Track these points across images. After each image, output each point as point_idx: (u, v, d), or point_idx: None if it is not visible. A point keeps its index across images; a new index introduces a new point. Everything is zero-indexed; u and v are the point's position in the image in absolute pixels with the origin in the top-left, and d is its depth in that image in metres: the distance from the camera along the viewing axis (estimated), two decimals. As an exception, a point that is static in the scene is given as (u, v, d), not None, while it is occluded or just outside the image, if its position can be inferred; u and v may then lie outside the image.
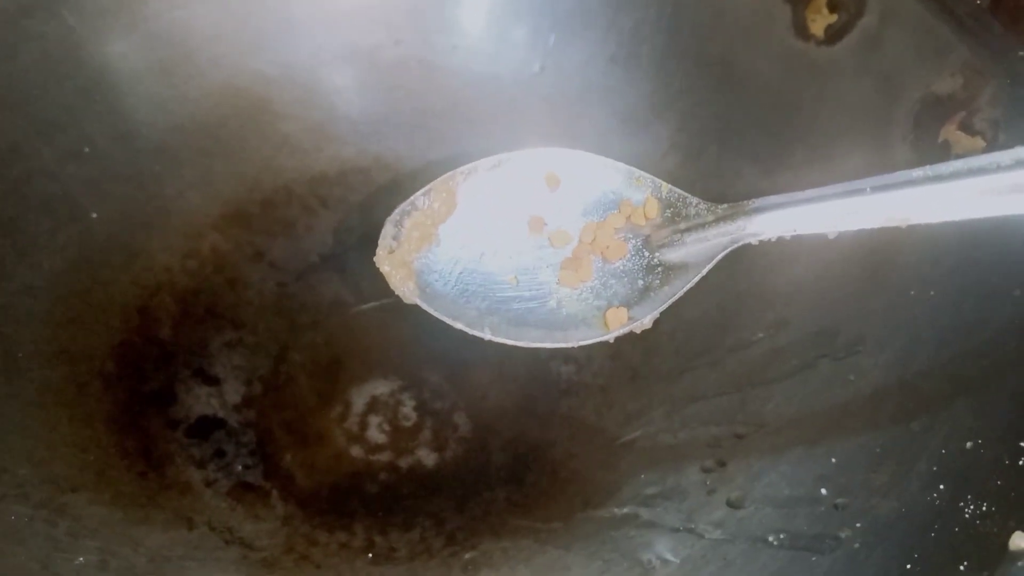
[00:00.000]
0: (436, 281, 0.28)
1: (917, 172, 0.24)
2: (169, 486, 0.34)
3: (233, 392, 0.37)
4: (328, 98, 0.43)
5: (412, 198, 0.28)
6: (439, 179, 0.28)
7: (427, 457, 0.36)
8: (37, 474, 0.31)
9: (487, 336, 0.27)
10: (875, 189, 0.24)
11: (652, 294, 0.28)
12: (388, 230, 0.28)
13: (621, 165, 0.29)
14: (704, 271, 0.27)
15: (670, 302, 0.27)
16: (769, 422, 0.34)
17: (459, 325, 0.27)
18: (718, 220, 0.27)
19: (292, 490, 0.35)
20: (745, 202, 0.27)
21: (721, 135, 0.40)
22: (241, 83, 0.42)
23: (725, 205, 0.28)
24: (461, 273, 0.28)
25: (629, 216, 0.28)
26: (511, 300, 0.28)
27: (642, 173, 0.29)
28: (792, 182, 0.36)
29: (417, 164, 0.44)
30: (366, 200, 0.43)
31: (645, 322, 0.27)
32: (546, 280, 0.28)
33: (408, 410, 0.37)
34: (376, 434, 0.37)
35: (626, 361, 0.38)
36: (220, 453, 0.35)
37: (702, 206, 0.28)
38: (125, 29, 0.39)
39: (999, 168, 0.22)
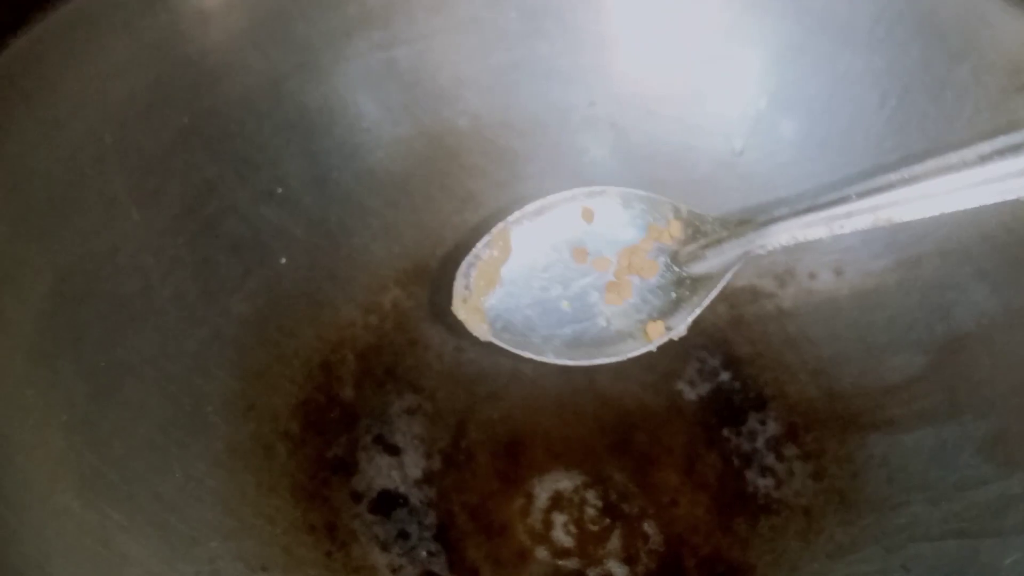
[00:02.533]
0: (504, 318, 0.31)
1: (894, 175, 0.26)
2: (356, 569, 0.31)
3: (413, 465, 0.35)
4: (515, 156, 0.42)
5: (475, 250, 0.32)
6: (494, 229, 0.32)
7: (617, 570, 0.33)
8: (227, 548, 0.29)
9: (551, 360, 0.31)
10: (860, 195, 0.27)
11: (684, 304, 0.31)
12: (459, 281, 0.31)
13: (643, 193, 0.32)
14: (725, 280, 0.30)
15: (700, 310, 0.31)
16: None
17: (527, 354, 0.31)
18: (731, 235, 0.30)
19: (479, 584, 0.32)
20: (753, 219, 0.30)
21: (943, 244, 0.37)
22: (432, 133, 0.40)
23: (736, 220, 0.31)
24: (524, 307, 0.32)
25: (657, 237, 0.32)
26: (567, 324, 0.32)
27: (663, 198, 0.32)
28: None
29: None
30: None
31: (680, 330, 0.31)
32: (594, 302, 0.32)
33: (594, 512, 0.34)
34: (562, 536, 0.34)
35: (831, 482, 0.35)
36: (404, 535, 0.33)
37: (717, 223, 0.31)
38: (326, 69, 0.38)
39: (965, 165, 0.25)
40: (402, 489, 0.34)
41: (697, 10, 0.38)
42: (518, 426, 0.37)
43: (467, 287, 0.31)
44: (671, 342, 0.37)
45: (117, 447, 0.29)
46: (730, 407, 0.37)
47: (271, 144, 0.37)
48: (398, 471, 0.34)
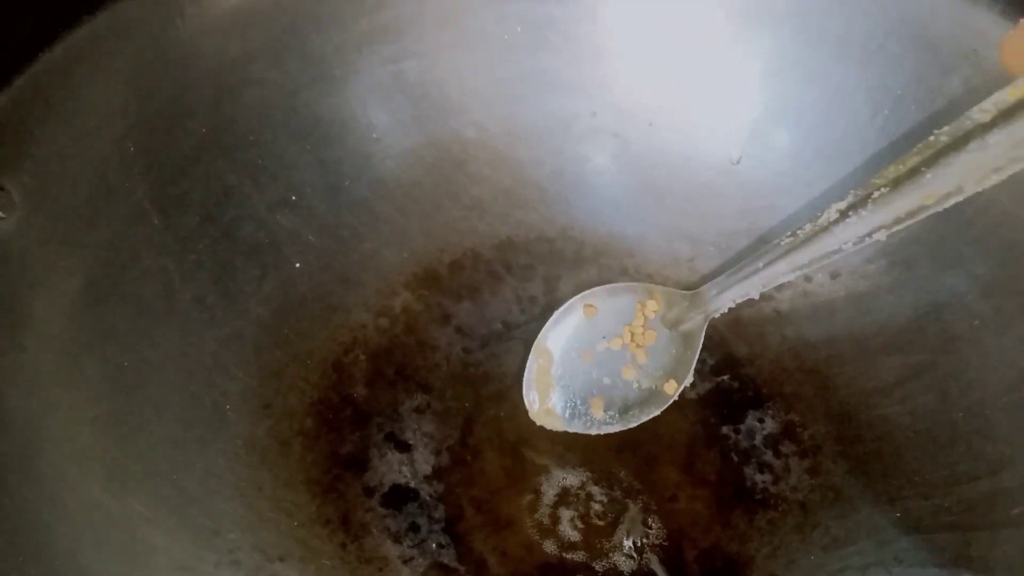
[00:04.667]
0: (568, 409, 0.38)
1: (807, 227, 0.31)
2: (369, 560, 0.32)
3: (423, 461, 0.36)
4: (520, 164, 0.43)
5: (527, 373, 0.38)
6: (533, 346, 0.38)
7: (622, 563, 0.34)
8: (246, 539, 0.30)
9: (616, 429, 0.37)
10: (786, 249, 0.32)
11: (682, 358, 0.38)
12: (528, 396, 0.38)
13: (623, 284, 0.39)
14: (703, 333, 0.37)
15: (695, 360, 0.37)
16: (997, 571, 0.32)
17: (593, 431, 0.37)
18: (691, 307, 0.37)
19: None
20: (702, 290, 0.37)
21: (935, 248, 0.38)
22: (440, 143, 0.42)
23: (692, 292, 0.37)
24: (579, 396, 0.38)
25: (644, 312, 0.38)
26: (615, 395, 0.38)
27: (642, 284, 0.39)
28: (1017, 308, 0.35)
29: (601, 238, 0.43)
30: (550, 271, 0.42)
31: (689, 378, 0.37)
32: (623, 373, 0.38)
33: (599, 507, 0.36)
34: (569, 530, 0.35)
35: (827, 477, 0.36)
36: (414, 527, 0.34)
37: (680, 295, 0.38)
38: (339, 82, 0.39)
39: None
40: (412, 484, 0.35)
41: (697, 25, 0.39)
42: (524, 425, 0.38)
43: (534, 399, 0.37)
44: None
45: (141, 442, 0.30)
46: (729, 406, 0.38)
47: (286, 153, 0.38)
48: (408, 467, 0.36)
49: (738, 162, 0.42)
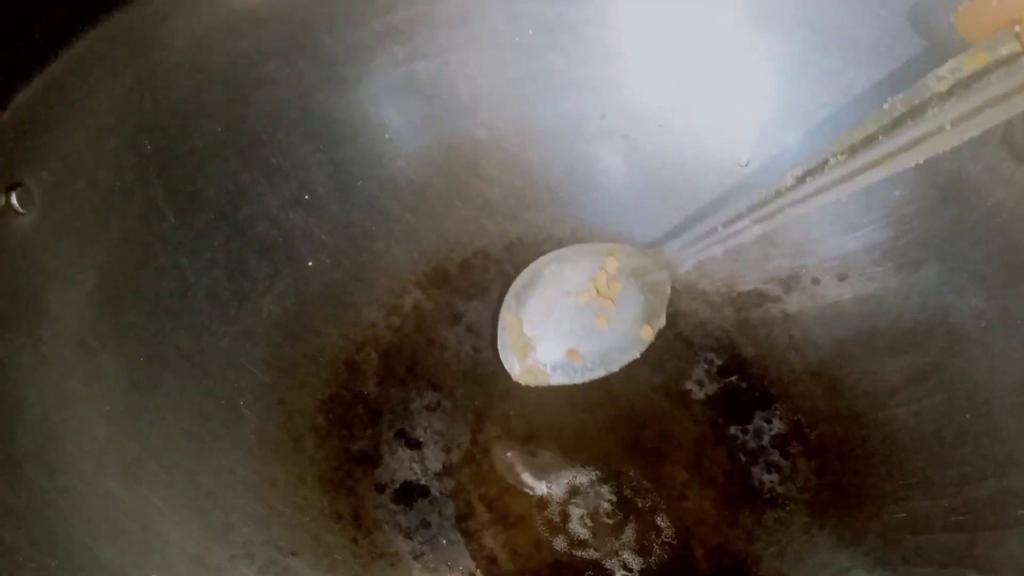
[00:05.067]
0: (549, 363, 0.38)
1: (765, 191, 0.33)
2: (380, 555, 0.33)
3: (433, 459, 0.36)
4: (530, 165, 0.43)
5: (500, 342, 0.39)
6: (500, 316, 0.39)
7: (632, 561, 0.35)
8: (259, 534, 0.30)
9: (600, 373, 0.38)
10: (746, 209, 0.34)
11: (652, 305, 0.39)
12: (510, 360, 0.38)
13: (586, 245, 0.40)
14: (669, 285, 0.39)
15: (666, 305, 0.39)
16: (1004, 571, 0.32)
17: (579, 379, 0.38)
18: (654, 264, 0.39)
19: (496, 573, 0.34)
20: (663, 249, 0.38)
21: (941, 250, 0.38)
22: (451, 143, 0.42)
23: (653, 250, 0.39)
24: (557, 349, 0.38)
25: (607, 269, 0.39)
26: (591, 344, 0.38)
27: (601, 244, 0.40)
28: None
29: (610, 238, 0.43)
30: (559, 270, 0.43)
31: (662, 321, 0.38)
32: (594, 324, 0.39)
33: (608, 505, 0.36)
34: (579, 528, 0.35)
35: (834, 478, 0.36)
36: (425, 524, 0.34)
37: (640, 253, 0.39)
38: (351, 82, 0.40)
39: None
40: (423, 481, 0.36)
41: (707, 27, 0.40)
42: (533, 423, 0.38)
43: (513, 362, 0.38)
44: (680, 345, 0.39)
45: (156, 437, 0.31)
46: (737, 406, 0.38)
47: (299, 153, 0.39)
48: (419, 464, 0.36)
49: (747, 164, 0.42)
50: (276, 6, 0.37)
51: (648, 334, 0.38)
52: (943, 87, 0.28)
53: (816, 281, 0.40)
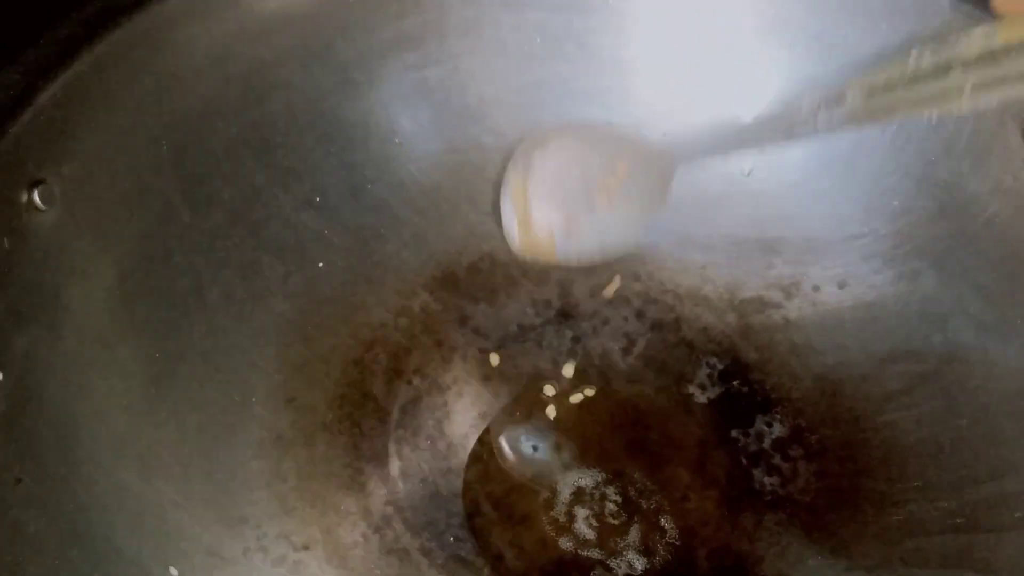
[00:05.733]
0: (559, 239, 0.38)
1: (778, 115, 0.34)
2: (389, 551, 0.33)
3: (441, 458, 0.37)
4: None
5: (504, 190, 0.38)
6: (508, 174, 0.39)
7: (636, 561, 0.35)
8: (272, 528, 0.31)
9: (597, 257, 0.38)
10: (760, 124, 0.35)
11: (657, 191, 0.39)
12: (512, 232, 0.38)
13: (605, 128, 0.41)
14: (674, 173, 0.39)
15: (668, 192, 0.39)
16: (1001, 572, 0.32)
17: (574, 258, 0.38)
18: (664, 156, 0.39)
19: (502, 570, 0.34)
20: (672, 143, 0.39)
21: (940, 260, 0.39)
22: (459, 147, 0.43)
23: (666, 142, 0.39)
24: (559, 224, 0.38)
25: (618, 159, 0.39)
26: (596, 220, 0.38)
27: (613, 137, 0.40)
28: (1021, 317, 0.36)
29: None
30: (564, 276, 0.43)
31: (663, 207, 0.39)
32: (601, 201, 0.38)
33: (613, 506, 0.37)
34: (584, 528, 0.36)
35: (834, 481, 0.37)
36: (433, 521, 0.35)
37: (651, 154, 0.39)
38: (363, 87, 0.40)
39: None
40: (431, 479, 0.36)
41: (711, 37, 0.40)
42: (539, 425, 0.39)
43: (516, 232, 0.37)
44: (683, 349, 0.39)
45: (172, 431, 0.31)
46: (738, 410, 0.39)
47: (312, 155, 0.39)
48: (427, 463, 0.36)
49: (749, 173, 0.43)
50: (292, 13, 0.37)
51: (646, 223, 0.39)
52: (972, 51, 0.27)
53: (817, 288, 0.41)
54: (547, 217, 0.37)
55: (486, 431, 0.38)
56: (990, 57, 0.27)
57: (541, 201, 0.38)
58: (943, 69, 0.28)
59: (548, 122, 0.43)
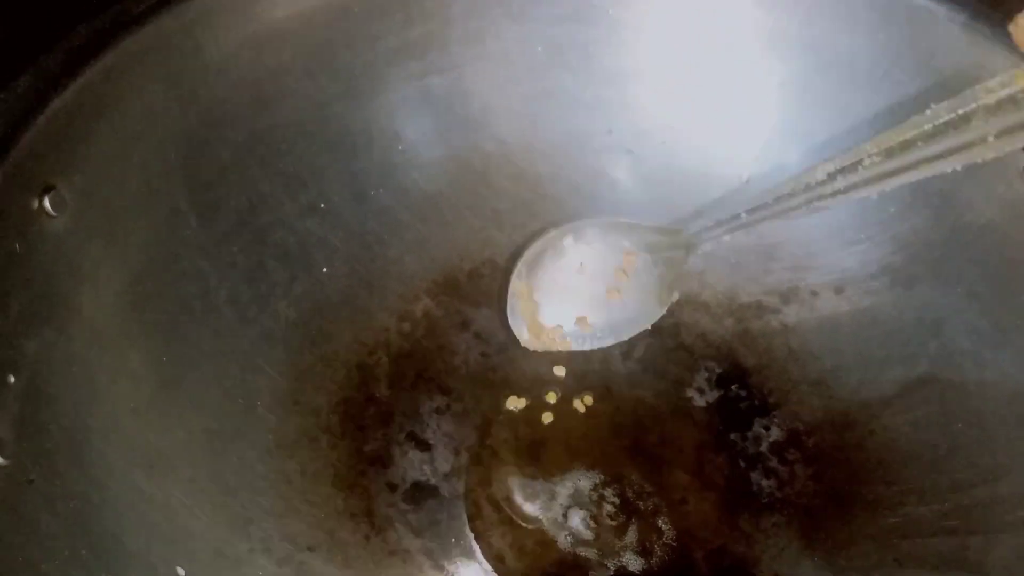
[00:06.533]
0: (560, 331, 0.40)
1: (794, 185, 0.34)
2: (392, 552, 0.34)
3: (443, 460, 0.37)
4: (538, 178, 0.44)
5: (509, 308, 0.40)
6: (513, 280, 0.40)
7: (633, 562, 0.36)
8: (277, 529, 0.31)
9: (610, 341, 0.40)
10: (748, 214, 0.35)
11: (668, 279, 0.40)
12: (519, 326, 0.40)
13: (609, 221, 0.42)
14: (685, 264, 0.40)
15: (679, 279, 0.40)
16: (993, 573, 0.33)
17: (586, 346, 0.40)
18: (673, 243, 0.40)
19: (504, 570, 0.35)
20: (680, 229, 0.40)
21: (936, 267, 0.40)
22: (462, 156, 0.43)
23: (674, 229, 0.40)
24: (567, 315, 0.40)
25: (627, 254, 0.41)
26: (603, 312, 0.40)
27: (623, 221, 0.42)
28: (1015, 324, 0.37)
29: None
30: (565, 280, 0.44)
31: (674, 296, 0.40)
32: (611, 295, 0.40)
33: (612, 507, 0.37)
34: (583, 529, 0.36)
35: (830, 483, 0.38)
36: (435, 523, 0.35)
37: (662, 239, 0.40)
38: (368, 95, 0.41)
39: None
40: (433, 481, 0.37)
41: (711, 48, 0.41)
42: (540, 427, 0.39)
43: (522, 328, 0.39)
44: (682, 354, 0.40)
45: (180, 433, 0.32)
46: (737, 413, 0.40)
47: (316, 163, 0.40)
48: (429, 465, 0.37)
49: (747, 181, 0.43)
50: (298, 23, 0.38)
51: (660, 307, 0.39)
52: (991, 99, 0.27)
53: (815, 294, 0.41)
54: (556, 322, 0.39)
55: (488, 434, 0.39)
56: (1011, 102, 0.26)
57: (549, 308, 0.39)
58: (963, 120, 0.28)
59: (550, 132, 0.44)
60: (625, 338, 0.39)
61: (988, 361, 0.37)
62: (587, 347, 0.39)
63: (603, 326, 0.39)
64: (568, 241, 0.41)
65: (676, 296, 0.40)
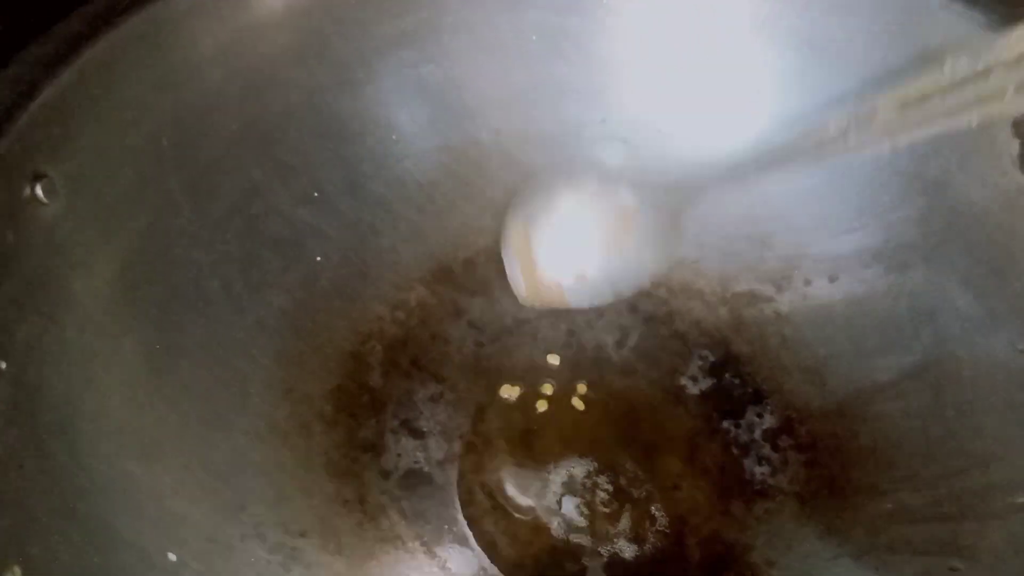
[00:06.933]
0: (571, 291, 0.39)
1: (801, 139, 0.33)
2: (385, 539, 0.34)
3: (436, 448, 0.38)
4: (533, 167, 0.44)
5: (505, 250, 0.39)
6: (510, 230, 0.40)
7: (626, 549, 0.36)
8: (270, 515, 0.31)
9: (608, 298, 0.39)
10: (783, 153, 0.34)
11: (668, 235, 0.39)
12: (518, 282, 0.39)
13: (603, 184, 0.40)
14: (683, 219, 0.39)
15: (680, 236, 0.39)
16: (984, 559, 0.33)
17: (584, 303, 0.39)
18: (674, 199, 0.39)
19: (497, 557, 0.35)
20: (677, 188, 0.39)
21: (930, 255, 0.39)
22: (457, 145, 0.43)
23: (665, 189, 0.39)
24: (567, 270, 0.39)
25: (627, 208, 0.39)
26: (605, 267, 0.39)
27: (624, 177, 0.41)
28: (1008, 312, 0.37)
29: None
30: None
31: (675, 253, 0.40)
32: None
33: (605, 494, 0.37)
34: (576, 516, 0.37)
35: (823, 470, 0.38)
36: (428, 510, 0.36)
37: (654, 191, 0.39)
38: (361, 84, 0.41)
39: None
40: (426, 469, 0.37)
41: (705, 37, 0.41)
42: (533, 415, 0.39)
43: (519, 277, 0.38)
44: (676, 342, 0.40)
45: (172, 420, 0.32)
46: (730, 401, 0.40)
47: (310, 151, 0.40)
48: (422, 452, 0.37)
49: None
50: (291, 10, 0.38)
51: (660, 264, 0.39)
52: (1012, 53, 0.26)
53: (808, 282, 0.41)
54: (555, 275, 0.38)
55: (481, 421, 0.39)
56: None
57: (548, 260, 0.38)
58: (982, 74, 0.27)
59: (544, 121, 0.44)
60: (625, 294, 0.38)
61: (981, 349, 0.37)
62: (585, 304, 0.39)
63: (602, 281, 0.38)
64: (567, 195, 0.40)
65: (677, 253, 0.39)
